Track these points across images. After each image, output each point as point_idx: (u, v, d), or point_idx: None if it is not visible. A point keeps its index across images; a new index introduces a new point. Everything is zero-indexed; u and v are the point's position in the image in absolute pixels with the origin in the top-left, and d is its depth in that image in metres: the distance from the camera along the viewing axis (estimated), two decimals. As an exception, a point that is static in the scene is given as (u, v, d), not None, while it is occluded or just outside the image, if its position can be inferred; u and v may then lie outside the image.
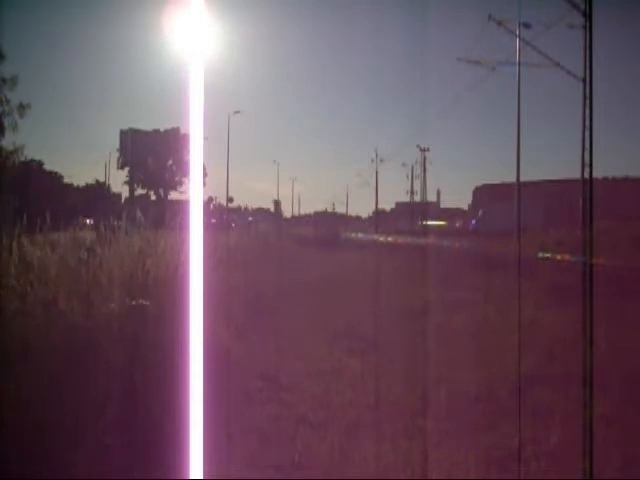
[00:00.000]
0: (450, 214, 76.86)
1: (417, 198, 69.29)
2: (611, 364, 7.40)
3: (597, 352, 6.51)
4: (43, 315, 6.39)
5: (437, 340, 9.59)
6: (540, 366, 8.28)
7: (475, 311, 12.23)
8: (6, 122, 32.43)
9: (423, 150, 65.77)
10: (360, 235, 56.79)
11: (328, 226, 59.18)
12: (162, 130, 58.18)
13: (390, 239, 44.50)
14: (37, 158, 45.48)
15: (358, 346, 10.14)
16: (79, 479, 5.02)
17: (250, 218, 72.37)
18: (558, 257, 21.16)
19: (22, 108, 32.71)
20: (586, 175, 16.59)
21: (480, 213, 56.94)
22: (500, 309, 11.41)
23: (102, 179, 55.46)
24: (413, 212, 70.16)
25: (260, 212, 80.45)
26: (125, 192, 61.11)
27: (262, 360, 9.07)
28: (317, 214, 79.06)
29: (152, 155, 58.51)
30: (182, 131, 50.23)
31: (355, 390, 7.82)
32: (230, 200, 59.86)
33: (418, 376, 8.05)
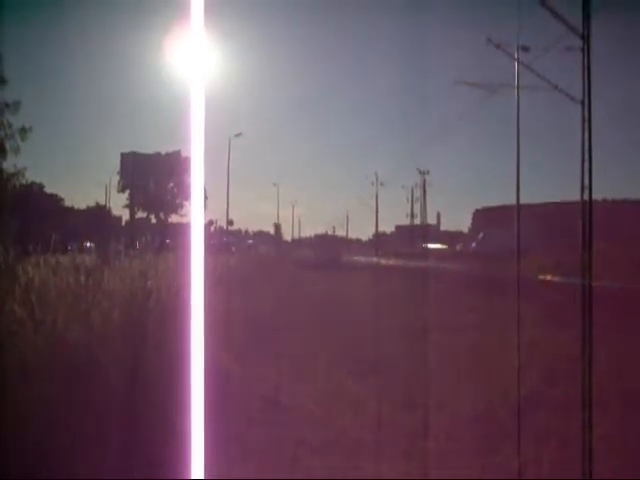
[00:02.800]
0: (450, 237, 76.80)
1: (417, 221, 69.32)
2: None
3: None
4: (41, 338, 6.40)
5: (436, 369, 9.60)
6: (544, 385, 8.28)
7: (473, 333, 12.24)
8: (8, 145, 32.48)
9: (423, 173, 65.90)
10: (361, 258, 56.79)
11: (328, 249, 59.10)
12: (163, 153, 58.27)
13: (391, 262, 44.55)
14: (38, 181, 45.53)
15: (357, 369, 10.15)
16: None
17: (250, 241, 72.33)
18: (557, 279, 21.19)
19: (24, 132, 32.77)
20: (585, 197, 16.52)
21: (480, 236, 56.92)
22: (498, 331, 11.40)
23: (103, 202, 55.48)
24: (413, 235, 70.15)
25: (261, 235, 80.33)
26: (125, 215, 61.08)
27: (262, 384, 9.08)
28: (317, 237, 78.91)
29: (153, 178, 58.59)
30: (183, 154, 50.25)
31: (354, 411, 7.81)
32: (230, 223, 59.93)
33: (416, 401, 8.06)
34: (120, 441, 5.48)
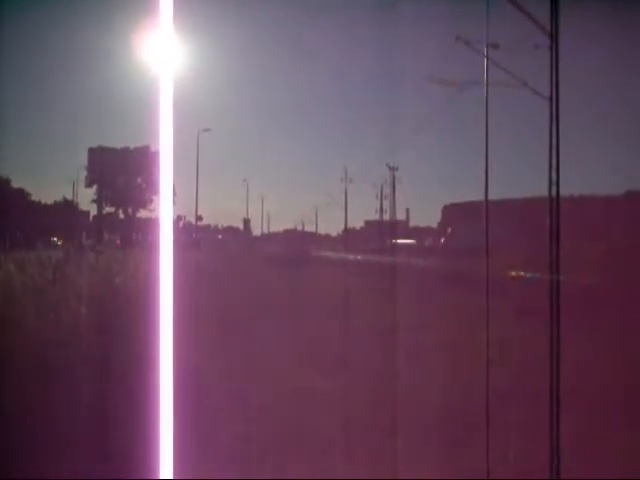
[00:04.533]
0: (419, 232, 76.94)
1: (387, 217, 69.30)
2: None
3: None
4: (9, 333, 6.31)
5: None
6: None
7: (439, 330, 12.32)
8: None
9: (392, 169, 65.90)
10: (330, 254, 56.67)
11: (297, 244, 58.81)
12: (132, 148, 57.68)
13: (359, 258, 44.64)
14: (4, 175, 44.83)
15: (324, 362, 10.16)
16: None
17: (220, 236, 71.94)
18: (528, 275, 21.39)
19: (-11, 125, 32.23)
20: (553, 193, 16.68)
21: (449, 231, 57.04)
22: (467, 327, 11.48)
23: (70, 197, 54.77)
24: (382, 231, 70.21)
25: (230, 230, 79.90)
26: (93, 210, 60.35)
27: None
28: (287, 232, 78.67)
29: (121, 173, 58.01)
30: (152, 149, 49.77)
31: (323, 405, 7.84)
32: (199, 218, 59.47)
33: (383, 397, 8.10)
34: (88, 441, 5.43)
